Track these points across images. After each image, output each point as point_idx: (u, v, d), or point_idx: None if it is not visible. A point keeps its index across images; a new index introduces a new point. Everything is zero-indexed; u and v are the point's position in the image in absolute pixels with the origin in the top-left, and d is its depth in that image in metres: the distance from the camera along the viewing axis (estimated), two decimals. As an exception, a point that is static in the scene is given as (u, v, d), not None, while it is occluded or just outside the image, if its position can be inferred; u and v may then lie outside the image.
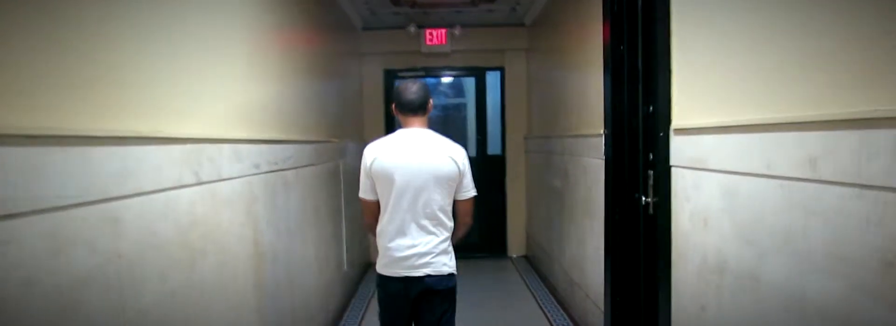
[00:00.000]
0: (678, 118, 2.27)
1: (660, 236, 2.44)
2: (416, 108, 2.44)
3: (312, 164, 3.52)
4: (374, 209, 2.47)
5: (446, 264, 2.42)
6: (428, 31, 5.73)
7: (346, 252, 4.65)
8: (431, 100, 2.51)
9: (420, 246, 2.36)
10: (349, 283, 4.77)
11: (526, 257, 6.09)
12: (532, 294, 4.80)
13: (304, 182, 3.34)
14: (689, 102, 2.19)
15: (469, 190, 2.49)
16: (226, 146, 2.07)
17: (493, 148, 6.23)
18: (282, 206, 2.85)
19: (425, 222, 2.37)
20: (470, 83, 6.39)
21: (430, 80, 6.62)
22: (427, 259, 2.38)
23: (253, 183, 2.40)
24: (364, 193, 2.50)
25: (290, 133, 3.13)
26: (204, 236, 1.85)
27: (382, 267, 2.44)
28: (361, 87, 5.99)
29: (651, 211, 2.97)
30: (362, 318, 4.27)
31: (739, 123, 1.76)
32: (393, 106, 2.51)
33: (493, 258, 6.03)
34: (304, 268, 3.26)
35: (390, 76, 6.13)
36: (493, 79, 6.27)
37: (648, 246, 3.04)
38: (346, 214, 4.70)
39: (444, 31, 5.73)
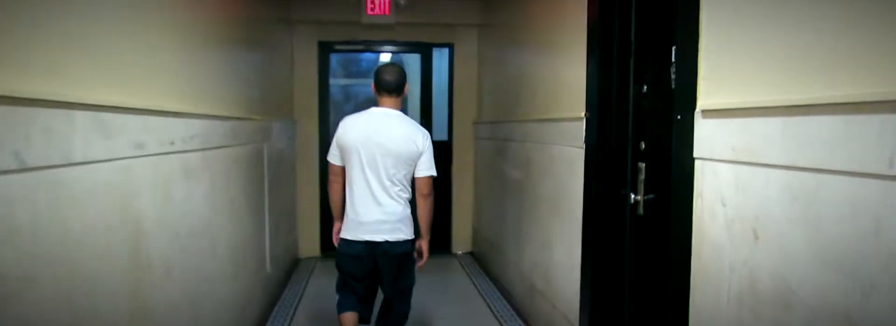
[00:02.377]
0: (708, 96, 1.74)
1: (674, 248, 1.91)
2: (392, 89, 2.72)
3: (227, 146, 2.84)
4: (338, 172, 2.75)
5: (402, 231, 2.68)
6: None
7: (270, 249, 3.98)
8: (407, 85, 2.80)
9: (381, 214, 2.64)
10: (273, 286, 4.10)
11: (472, 254, 5.56)
12: (484, 298, 4.27)
13: (216, 168, 2.67)
14: (725, 74, 1.67)
15: (425, 170, 2.72)
16: (82, 114, 1.39)
17: (439, 133, 5.63)
18: (182, 200, 2.18)
19: (386, 193, 2.64)
20: (414, 60, 5.76)
21: (370, 56, 5.97)
22: (387, 225, 2.64)
23: (133, 169, 1.73)
24: (331, 158, 2.79)
25: (197, 104, 2.44)
26: (30, 253, 1.19)
27: (346, 232, 2.70)
28: (293, 60, 5.27)
29: (641, 211, 2.47)
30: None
31: (835, 101, 1.24)
32: (372, 84, 2.79)
33: (436, 255, 5.38)
34: (212, 277, 2.59)
35: (326, 49, 5.43)
36: (440, 57, 5.67)
37: (638, 255, 2.54)
38: (271, 205, 4.02)
39: (388, -1, 5.08)
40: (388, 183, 2.64)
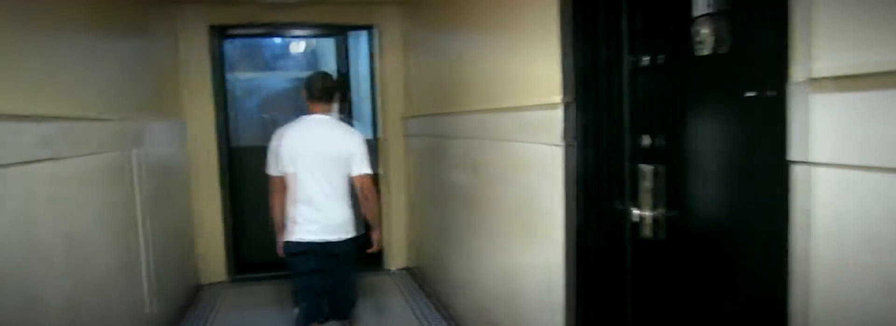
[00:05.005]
0: (827, 55, 1.03)
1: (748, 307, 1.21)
2: (323, 97, 2.83)
3: (55, 158, 1.95)
4: (278, 184, 2.82)
5: (345, 230, 2.81)
6: (270, -28, 4.18)
7: (151, 284, 3.08)
8: (339, 93, 2.95)
9: (328, 214, 2.76)
10: (156, 332, 3.20)
11: (410, 270, 4.77)
12: (426, 330, 3.51)
13: (28, 192, 1.78)
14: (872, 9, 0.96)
15: (359, 169, 2.80)
16: None
17: (363, 131, 4.80)
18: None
19: (328, 196, 2.76)
20: (328, 46, 4.91)
21: (275, 42, 5.07)
22: (330, 226, 2.77)
23: None
24: (271, 170, 2.84)
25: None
26: None
27: (293, 235, 2.78)
28: (178, 48, 4.31)
29: (649, 232, 1.78)
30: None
31: None
32: (303, 92, 2.89)
33: (367, 272, 4.60)
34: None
35: (219, 34, 4.49)
36: (360, 41, 4.84)
37: (644, 302, 1.84)
38: (150, 227, 3.12)
39: (293, -29, 4.21)
40: (328, 187, 2.76)
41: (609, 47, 1.90)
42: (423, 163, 4.13)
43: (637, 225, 1.82)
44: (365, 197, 2.81)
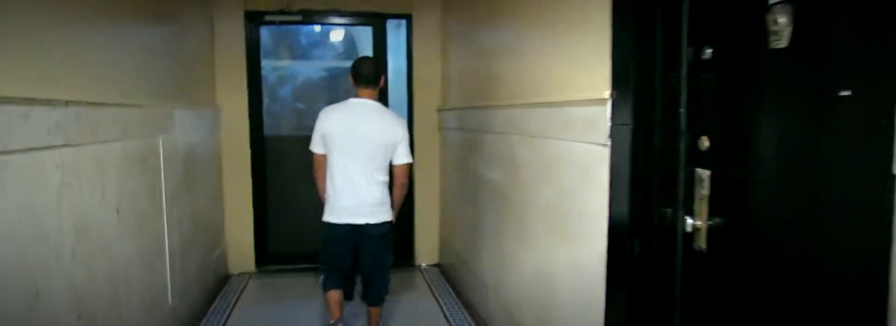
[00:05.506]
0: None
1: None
2: (370, 81, 2.87)
3: (68, 145, 1.86)
4: (321, 160, 2.92)
5: (381, 213, 2.86)
6: (307, -43, 4.08)
7: (174, 275, 3.01)
8: (384, 77, 2.98)
9: (361, 199, 2.81)
10: (178, 323, 3.13)
11: (439, 267, 4.65)
12: (454, 331, 3.38)
13: (35, 181, 1.69)
14: None
15: (402, 158, 2.90)
16: None
17: (396, 122, 4.68)
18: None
19: (365, 179, 2.80)
20: (365, 35, 4.79)
21: (310, 30, 4.96)
22: (367, 209, 2.82)
23: None
24: (314, 147, 2.93)
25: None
26: None
27: (330, 216, 2.87)
28: (213, 35, 4.24)
29: (703, 244, 1.61)
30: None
31: None
32: (350, 76, 2.93)
33: (398, 268, 4.45)
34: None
35: (254, 21, 4.41)
36: (396, 30, 4.71)
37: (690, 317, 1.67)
38: (176, 216, 3.05)
39: (330, -43, 4.10)
40: (367, 170, 2.79)
41: (664, 38, 1.72)
42: (457, 156, 3.98)
43: (690, 236, 1.65)
44: (401, 185, 2.91)
